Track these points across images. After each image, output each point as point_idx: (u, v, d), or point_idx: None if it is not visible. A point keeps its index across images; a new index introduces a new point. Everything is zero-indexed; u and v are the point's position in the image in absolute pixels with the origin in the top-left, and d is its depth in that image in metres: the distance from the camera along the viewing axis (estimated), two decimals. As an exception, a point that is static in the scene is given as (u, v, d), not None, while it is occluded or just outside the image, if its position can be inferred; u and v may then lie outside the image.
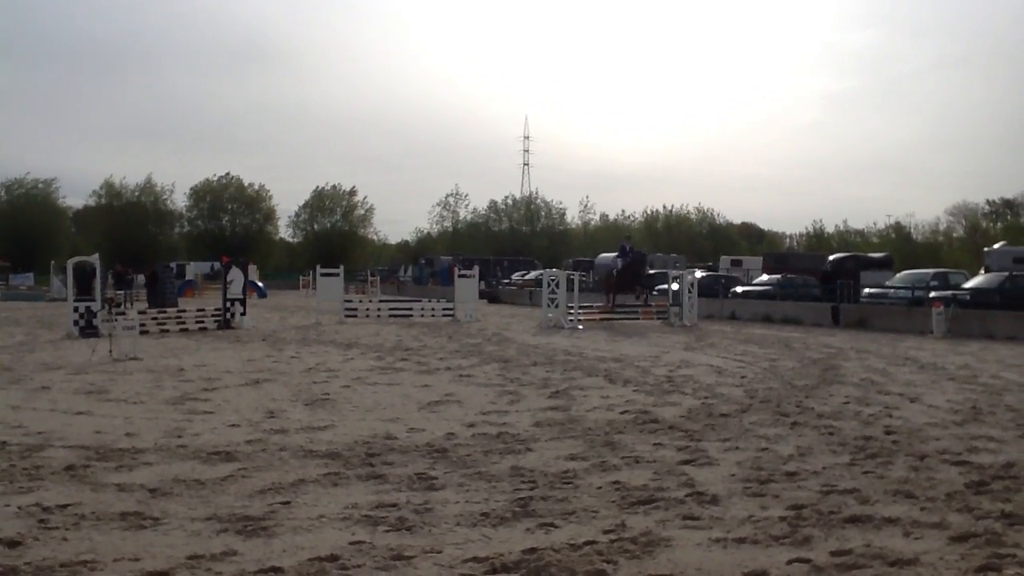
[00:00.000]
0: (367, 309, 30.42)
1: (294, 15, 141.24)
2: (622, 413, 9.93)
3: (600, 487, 6.43)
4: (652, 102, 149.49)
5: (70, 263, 22.54)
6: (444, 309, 30.00)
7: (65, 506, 5.83)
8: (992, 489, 6.41)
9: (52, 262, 48.51)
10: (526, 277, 54.74)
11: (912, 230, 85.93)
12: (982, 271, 36.60)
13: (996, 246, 45.25)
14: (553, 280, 27.00)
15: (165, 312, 25.29)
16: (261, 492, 6.27)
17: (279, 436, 8.40)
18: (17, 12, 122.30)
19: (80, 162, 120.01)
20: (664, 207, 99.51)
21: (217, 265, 45.40)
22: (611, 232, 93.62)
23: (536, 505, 5.91)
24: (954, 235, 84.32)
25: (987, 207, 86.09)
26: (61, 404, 10.45)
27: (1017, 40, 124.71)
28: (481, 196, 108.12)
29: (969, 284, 30.29)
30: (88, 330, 20.83)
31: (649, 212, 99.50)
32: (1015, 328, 23.09)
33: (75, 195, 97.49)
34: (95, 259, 22.59)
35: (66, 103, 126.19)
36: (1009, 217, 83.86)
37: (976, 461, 7.39)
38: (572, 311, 26.55)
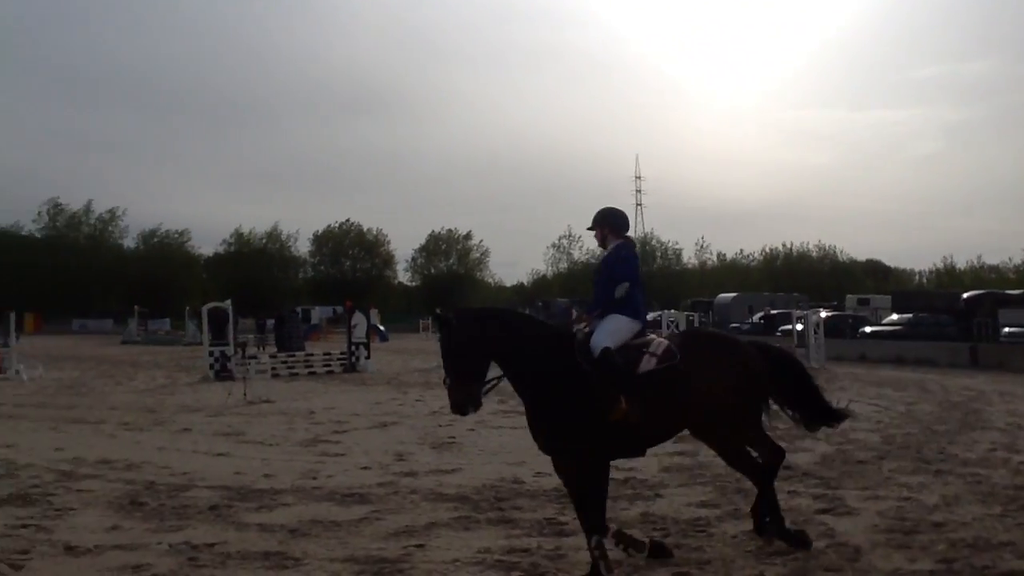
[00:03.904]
0: (486, 352, 30.48)
1: (409, 64, 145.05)
2: (752, 459, 9.65)
3: (735, 536, 6.27)
4: (765, 136, 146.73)
5: (205, 309, 23.61)
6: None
7: (212, 545, 6.07)
8: None
9: (187, 308, 50.66)
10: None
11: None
12: None
13: None
14: (672, 321, 26.69)
15: (294, 356, 25.90)
16: (395, 534, 6.37)
17: (409, 479, 8.53)
18: (145, 66, 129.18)
19: (208, 210, 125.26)
20: (783, 245, 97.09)
21: (339, 309, 46.69)
22: (729, 272, 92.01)
23: (670, 553, 5.80)
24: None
25: None
26: (202, 446, 10.91)
27: None
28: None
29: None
30: (223, 373, 21.72)
31: (768, 250, 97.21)
32: None
33: (205, 243, 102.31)
34: (228, 305, 23.58)
35: (189, 152, 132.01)
36: None
37: None
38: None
